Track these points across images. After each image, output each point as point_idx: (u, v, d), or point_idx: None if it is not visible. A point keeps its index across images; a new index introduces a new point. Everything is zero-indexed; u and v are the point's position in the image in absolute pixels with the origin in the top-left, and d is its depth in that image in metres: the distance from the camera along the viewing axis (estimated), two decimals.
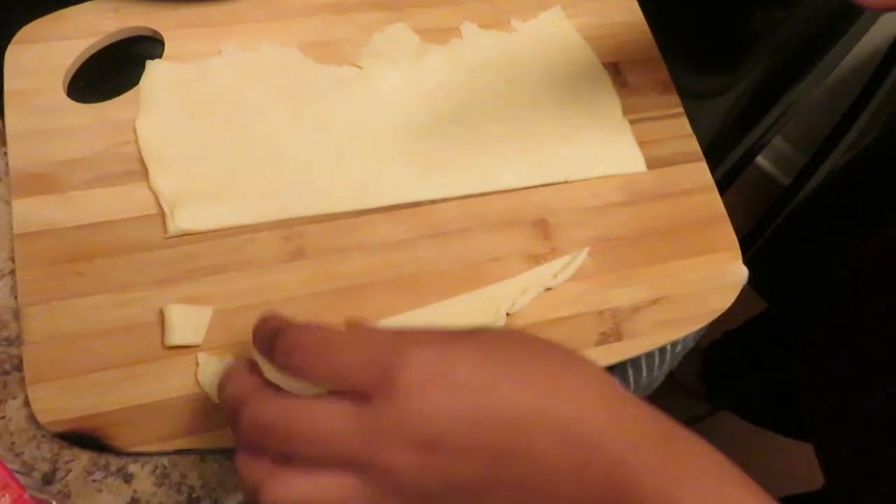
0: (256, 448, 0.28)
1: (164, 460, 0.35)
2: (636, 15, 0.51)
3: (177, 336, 0.36)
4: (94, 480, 0.34)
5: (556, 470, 0.28)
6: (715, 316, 0.44)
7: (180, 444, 0.35)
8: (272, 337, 0.28)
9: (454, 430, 0.27)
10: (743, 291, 0.45)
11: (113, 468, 0.35)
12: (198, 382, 0.36)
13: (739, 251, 0.45)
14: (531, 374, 0.29)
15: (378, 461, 0.26)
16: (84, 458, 0.35)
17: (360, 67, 0.45)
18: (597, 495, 0.27)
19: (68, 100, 0.41)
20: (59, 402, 0.35)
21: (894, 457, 0.54)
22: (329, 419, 0.27)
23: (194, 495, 0.35)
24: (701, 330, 0.45)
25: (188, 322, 0.37)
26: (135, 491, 0.34)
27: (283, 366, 0.28)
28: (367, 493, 0.27)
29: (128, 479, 0.35)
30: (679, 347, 0.53)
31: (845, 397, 0.63)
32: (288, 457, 0.27)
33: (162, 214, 0.39)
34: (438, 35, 0.47)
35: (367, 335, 0.28)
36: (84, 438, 0.34)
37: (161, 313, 0.37)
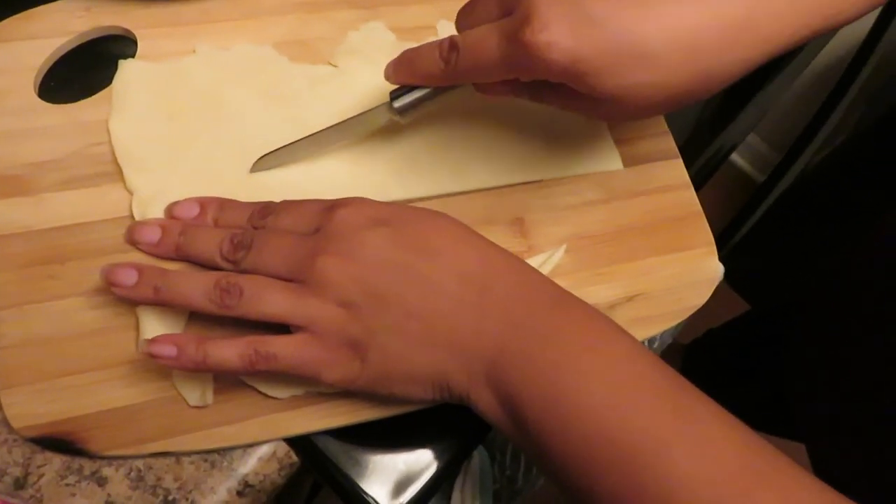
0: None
1: (139, 463, 0.35)
2: None
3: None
4: (67, 485, 0.34)
5: (461, 299, 0.34)
6: (691, 312, 0.44)
7: (156, 447, 0.35)
8: (263, 211, 0.37)
9: (372, 245, 0.34)
10: (724, 290, 0.45)
11: (86, 472, 0.34)
12: (173, 385, 0.36)
13: (715, 247, 0.45)
14: (448, 227, 0.36)
15: (312, 266, 0.33)
16: (57, 462, 0.34)
17: (335, 66, 0.45)
18: (499, 324, 0.33)
19: (39, 100, 0.41)
20: (32, 407, 0.34)
21: (884, 456, 0.55)
22: (286, 238, 0.35)
23: (170, 498, 0.35)
24: (678, 326, 0.46)
25: (163, 325, 0.36)
26: (109, 495, 0.34)
27: (267, 222, 0.37)
28: (302, 292, 0.33)
29: (102, 482, 0.34)
30: (657, 344, 0.54)
31: (833, 398, 0.64)
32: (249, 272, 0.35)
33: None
34: (414, 33, 0.47)
35: (325, 200, 0.37)
36: (58, 443, 0.34)
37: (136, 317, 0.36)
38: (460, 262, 0.34)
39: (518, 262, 0.36)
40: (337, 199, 0.36)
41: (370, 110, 0.41)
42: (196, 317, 0.37)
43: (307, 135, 0.41)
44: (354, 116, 0.41)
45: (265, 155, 0.41)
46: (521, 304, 0.34)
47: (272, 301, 0.33)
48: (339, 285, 0.33)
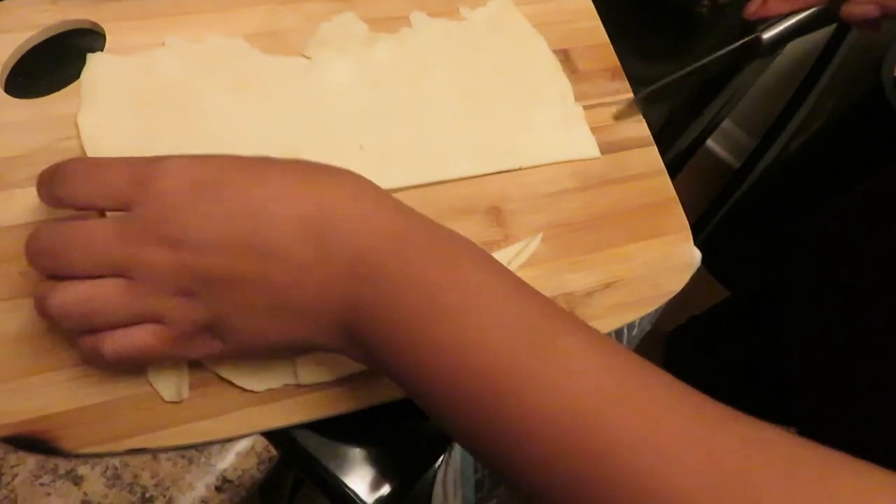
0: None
1: (116, 461, 0.35)
2: (585, 2, 0.51)
3: None
4: (42, 484, 0.33)
5: (300, 264, 0.30)
6: (668, 297, 0.44)
7: (131, 443, 0.34)
8: (50, 178, 0.31)
9: (197, 226, 0.30)
10: (705, 278, 0.45)
11: (62, 471, 0.34)
12: (148, 380, 0.35)
13: (690, 233, 0.46)
14: (276, 176, 0.31)
15: (137, 260, 0.30)
16: (31, 461, 0.34)
17: (308, 58, 0.45)
18: (345, 281, 0.30)
19: (6, 95, 0.40)
20: (5, 405, 0.34)
21: (871, 433, 0.56)
22: (96, 231, 0.30)
23: (147, 495, 0.34)
24: (656, 312, 0.46)
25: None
26: (85, 493, 0.34)
27: (60, 197, 0.31)
28: (136, 292, 0.30)
29: (77, 481, 0.34)
30: (636, 331, 0.54)
31: (818, 379, 0.65)
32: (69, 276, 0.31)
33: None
34: (387, 24, 0.47)
35: (133, 159, 0.32)
36: (31, 442, 0.33)
37: None
38: (295, 213, 0.30)
39: (356, 191, 0.32)
40: (149, 164, 0.31)
41: (733, 47, 0.39)
42: None
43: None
44: (717, 55, 0.40)
45: None
46: (362, 252, 0.30)
47: (111, 309, 0.31)
48: (170, 278, 0.30)
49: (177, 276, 0.30)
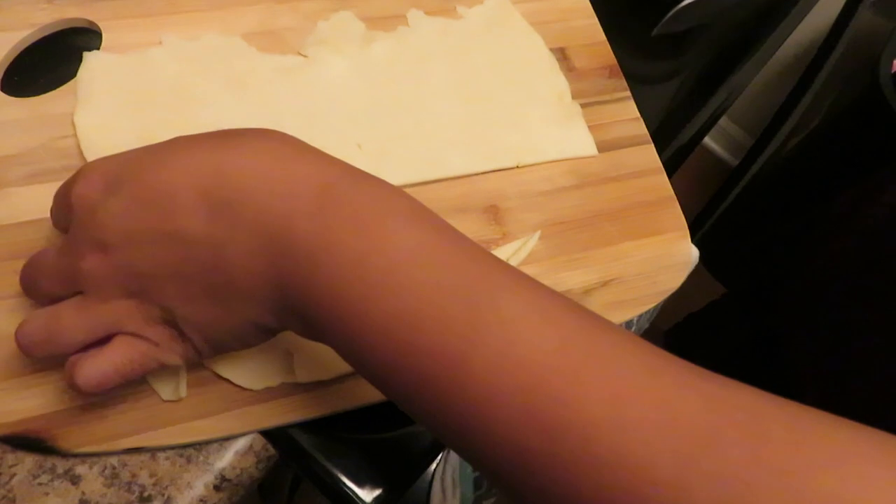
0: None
1: (113, 460, 0.34)
2: (582, 0, 0.51)
3: None
4: (40, 484, 0.33)
5: (215, 242, 0.28)
6: (666, 295, 0.44)
7: (129, 442, 0.34)
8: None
9: (113, 225, 0.29)
10: (701, 275, 0.45)
11: (60, 470, 0.34)
12: (146, 379, 0.35)
13: (688, 231, 0.46)
14: (181, 153, 0.30)
15: (78, 271, 0.30)
16: (29, 461, 0.34)
17: (305, 56, 0.45)
18: (266, 253, 0.28)
19: (2, 94, 0.40)
20: (1, 405, 0.34)
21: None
22: (44, 257, 0.32)
23: (145, 494, 0.34)
24: (654, 310, 0.46)
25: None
26: (83, 493, 0.34)
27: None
28: (88, 304, 0.30)
29: (75, 480, 0.34)
30: (634, 328, 0.54)
31: (816, 375, 0.65)
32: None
33: None
34: (384, 22, 0.47)
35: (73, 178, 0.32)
36: (28, 441, 0.33)
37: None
38: (196, 187, 0.28)
39: (271, 152, 0.29)
40: (71, 177, 0.32)
41: None
42: None
43: None
44: None
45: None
46: (276, 219, 0.28)
47: (69, 329, 0.31)
48: (111, 282, 0.30)
49: (116, 278, 0.30)
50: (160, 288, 0.30)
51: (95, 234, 0.30)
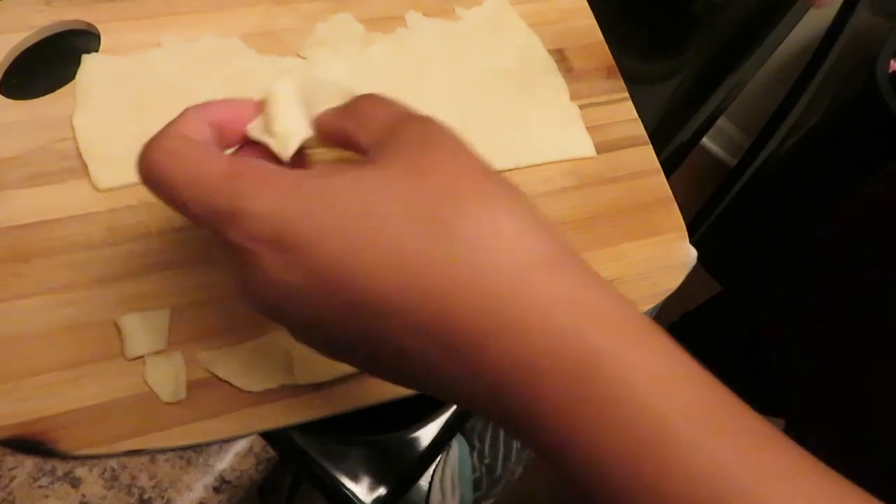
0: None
1: (113, 462, 0.35)
2: (580, 1, 0.51)
3: (138, 346, 0.35)
4: (39, 486, 0.34)
5: (440, 373, 0.24)
6: (665, 296, 0.44)
7: (129, 444, 0.34)
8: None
9: (289, 309, 0.24)
10: (699, 274, 0.46)
11: (59, 473, 0.34)
12: (145, 381, 0.35)
13: (686, 232, 0.46)
14: (392, 246, 0.23)
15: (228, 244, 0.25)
16: (29, 463, 0.34)
17: (304, 58, 0.45)
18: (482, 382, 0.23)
19: (1, 96, 0.40)
20: (1, 408, 0.34)
21: (861, 431, 0.56)
22: (204, 205, 0.26)
23: (145, 496, 0.34)
24: (652, 310, 0.46)
25: (146, 329, 0.36)
26: (83, 495, 0.34)
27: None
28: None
29: (75, 483, 0.34)
30: None
31: (811, 374, 0.65)
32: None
33: (102, 212, 0.38)
34: (383, 24, 0.47)
35: (223, 188, 0.25)
36: (28, 444, 0.33)
37: (115, 324, 0.36)
38: (412, 315, 0.23)
39: (531, 263, 0.24)
40: (232, 196, 0.25)
41: None
42: (178, 322, 0.36)
43: None
44: None
45: None
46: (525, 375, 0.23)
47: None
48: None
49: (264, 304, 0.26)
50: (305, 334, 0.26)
51: (260, 291, 0.25)
